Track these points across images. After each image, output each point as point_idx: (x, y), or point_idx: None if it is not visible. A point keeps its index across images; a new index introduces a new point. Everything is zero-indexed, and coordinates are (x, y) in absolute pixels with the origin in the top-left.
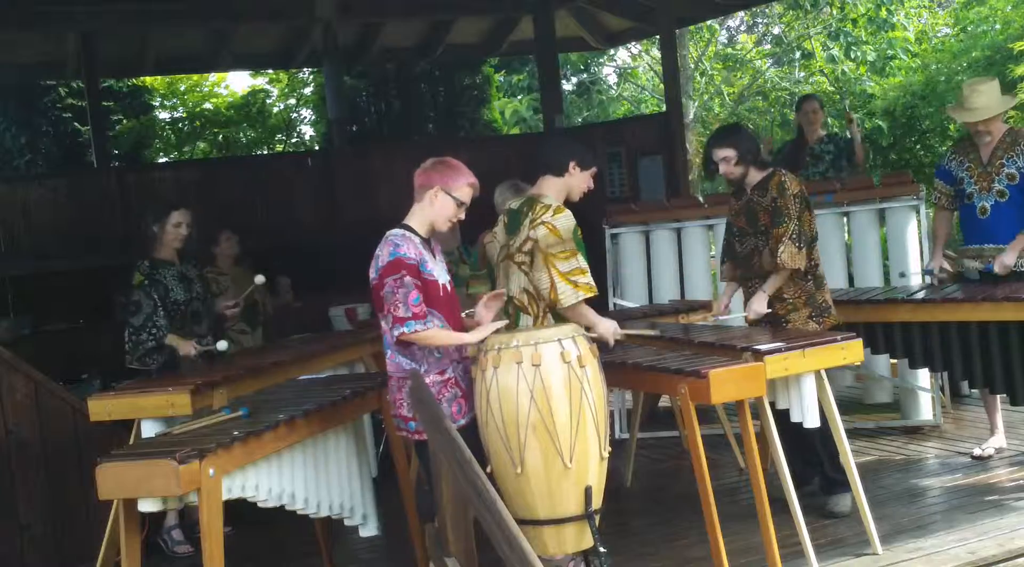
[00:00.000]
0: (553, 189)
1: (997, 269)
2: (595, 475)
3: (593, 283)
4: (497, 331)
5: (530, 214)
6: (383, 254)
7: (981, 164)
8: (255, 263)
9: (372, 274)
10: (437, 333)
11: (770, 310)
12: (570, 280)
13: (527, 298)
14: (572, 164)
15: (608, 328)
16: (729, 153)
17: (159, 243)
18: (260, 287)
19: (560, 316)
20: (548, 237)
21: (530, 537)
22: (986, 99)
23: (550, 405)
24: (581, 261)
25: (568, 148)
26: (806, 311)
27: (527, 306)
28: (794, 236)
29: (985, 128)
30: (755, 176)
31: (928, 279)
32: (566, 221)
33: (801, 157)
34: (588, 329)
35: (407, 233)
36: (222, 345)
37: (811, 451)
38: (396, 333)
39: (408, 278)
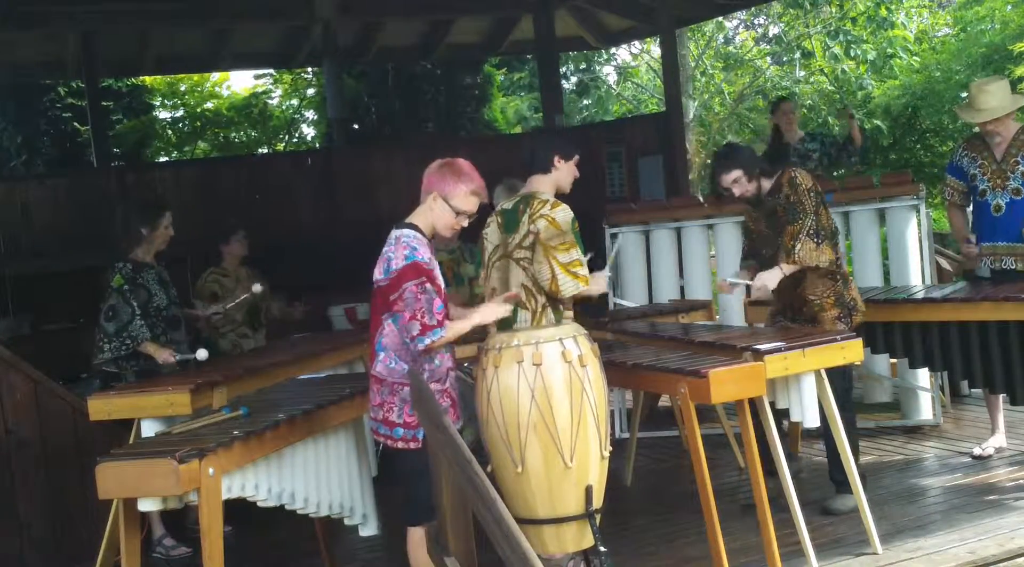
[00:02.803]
0: (544, 186)
1: None
2: (595, 474)
3: (589, 275)
4: (498, 330)
5: (528, 210)
6: (397, 256)
7: (995, 161)
8: (256, 263)
9: (380, 275)
10: (453, 328)
11: (800, 313)
12: (570, 271)
13: (525, 294)
14: (556, 158)
15: (600, 282)
16: (737, 173)
17: (147, 244)
18: (261, 294)
19: (558, 310)
20: (548, 229)
21: (530, 536)
22: (995, 99)
23: (551, 404)
24: (579, 253)
25: (548, 144)
26: (834, 312)
27: (525, 302)
28: (811, 232)
29: (995, 128)
30: (767, 183)
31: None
32: (564, 214)
33: (783, 158)
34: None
35: (419, 235)
36: (202, 354)
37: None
38: (425, 342)
39: (429, 284)
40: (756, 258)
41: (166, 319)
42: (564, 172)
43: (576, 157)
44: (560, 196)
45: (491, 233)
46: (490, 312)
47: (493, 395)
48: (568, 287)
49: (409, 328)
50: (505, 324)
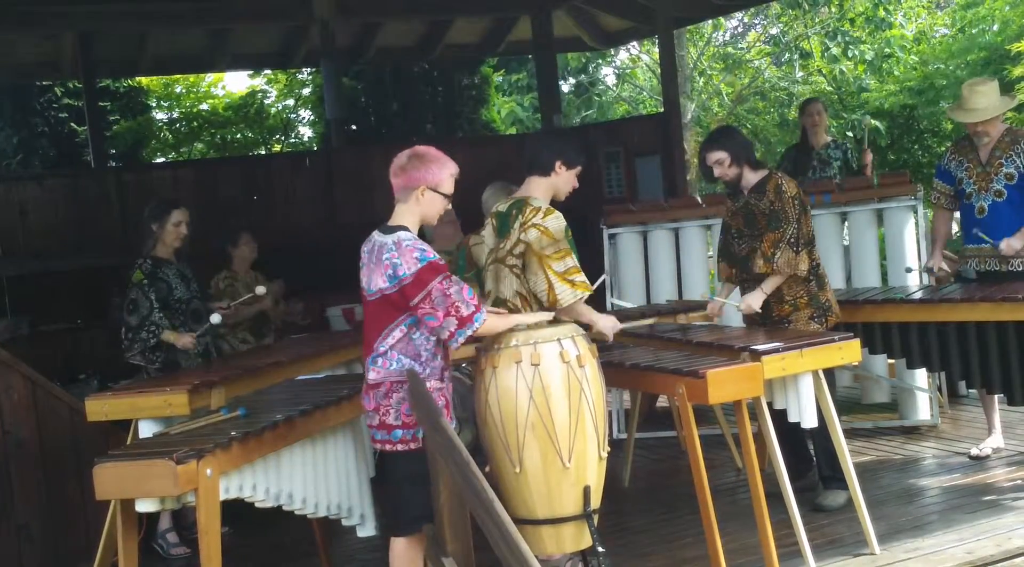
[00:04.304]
0: (540, 189)
1: (1003, 248)
2: (593, 475)
3: (588, 282)
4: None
5: (520, 217)
6: (406, 261)
7: (980, 164)
8: (255, 264)
9: (384, 283)
10: (496, 320)
11: (772, 312)
12: (567, 280)
13: (520, 301)
14: (558, 164)
15: (607, 324)
16: (721, 155)
17: (159, 242)
18: (263, 297)
19: (556, 317)
20: (541, 239)
21: (528, 537)
22: (986, 100)
23: (549, 405)
24: (575, 261)
25: (554, 147)
26: (808, 311)
27: (521, 308)
28: (791, 240)
29: (984, 129)
30: (751, 177)
31: (928, 278)
32: (556, 222)
33: (807, 161)
34: (587, 327)
35: (415, 236)
36: (215, 318)
37: (803, 445)
38: (466, 333)
39: (454, 276)
40: (728, 256)
41: (188, 312)
42: (564, 179)
43: (579, 168)
44: (555, 204)
45: (487, 236)
46: (540, 315)
47: (491, 395)
48: (566, 295)
49: (446, 326)
50: None
